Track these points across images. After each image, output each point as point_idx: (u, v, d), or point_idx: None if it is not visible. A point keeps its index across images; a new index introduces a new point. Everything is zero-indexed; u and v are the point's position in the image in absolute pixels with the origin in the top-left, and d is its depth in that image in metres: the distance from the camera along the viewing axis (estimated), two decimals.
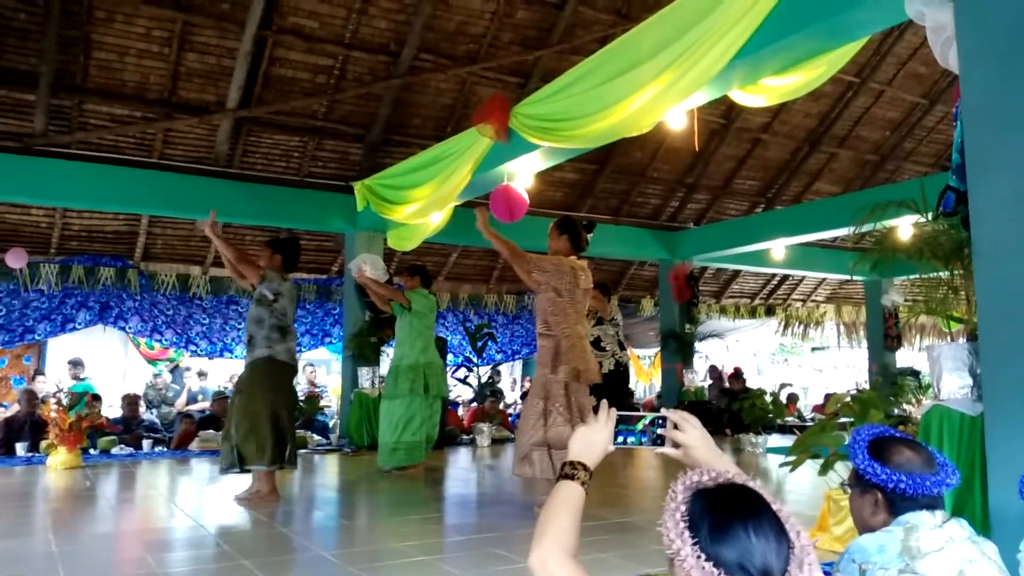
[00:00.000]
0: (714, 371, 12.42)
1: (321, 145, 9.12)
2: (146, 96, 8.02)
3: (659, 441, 1.54)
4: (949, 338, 3.54)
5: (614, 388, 8.12)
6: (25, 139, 7.77)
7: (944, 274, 3.54)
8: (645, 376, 14.88)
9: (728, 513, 1.10)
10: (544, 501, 4.13)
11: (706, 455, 1.51)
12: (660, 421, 1.53)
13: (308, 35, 8.00)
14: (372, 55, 8.38)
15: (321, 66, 8.34)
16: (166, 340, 10.26)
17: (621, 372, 8.27)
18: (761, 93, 4.93)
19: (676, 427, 1.54)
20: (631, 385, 9.91)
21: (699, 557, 1.06)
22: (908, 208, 3.60)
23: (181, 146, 8.60)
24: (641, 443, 1.54)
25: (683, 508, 1.13)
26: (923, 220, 3.73)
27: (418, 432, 6.39)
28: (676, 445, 1.56)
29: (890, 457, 1.88)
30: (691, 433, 1.52)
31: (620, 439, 1.54)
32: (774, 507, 1.14)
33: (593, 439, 1.51)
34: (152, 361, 10.99)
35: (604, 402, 1.61)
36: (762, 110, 10.09)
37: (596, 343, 8.07)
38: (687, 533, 1.09)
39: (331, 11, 7.92)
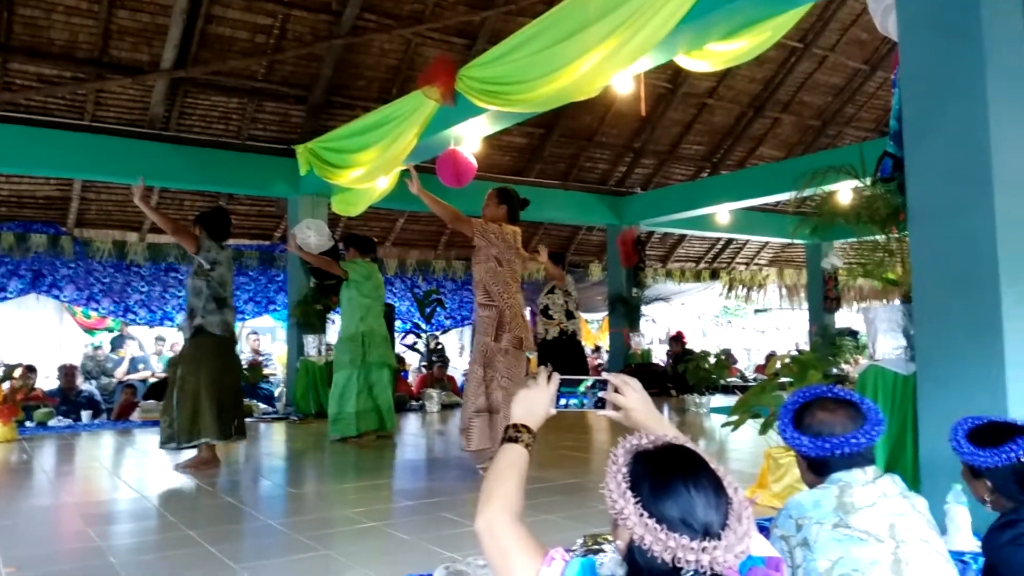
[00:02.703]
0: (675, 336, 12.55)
1: (261, 107, 8.87)
2: (76, 55, 7.66)
3: (600, 404, 1.55)
4: (885, 300, 3.65)
5: (559, 355, 8.24)
6: None
7: (880, 238, 3.63)
8: (592, 340, 15.04)
9: (668, 472, 1.13)
10: (487, 465, 4.18)
11: (646, 418, 1.54)
12: (601, 384, 1.55)
13: None
14: (313, 14, 8.14)
15: (260, 25, 8.07)
16: (103, 309, 9.97)
17: (565, 340, 8.38)
18: (707, 58, 4.94)
19: (617, 390, 1.56)
20: (585, 353, 10.00)
21: (642, 515, 1.08)
22: (847, 174, 3.68)
23: (114, 108, 8.26)
24: (583, 406, 1.55)
25: (624, 470, 1.15)
26: (862, 185, 3.81)
27: (353, 403, 6.35)
28: (617, 408, 1.58)
29: (809, 424, 1.95)
30: (631, 396, 1.54)
31: (562, 402, 1.55)
32: (711, 465, 1.17)
33: (535, 402, 1.53)
34: (90, 330, 10.68)
35: (543, 368, 1.61)
36: (708, 75, 10.15)
37: (544, 311, 8.15)
38: (629, 493, 1.11)
39: None
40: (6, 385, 6.93)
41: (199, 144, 8.59)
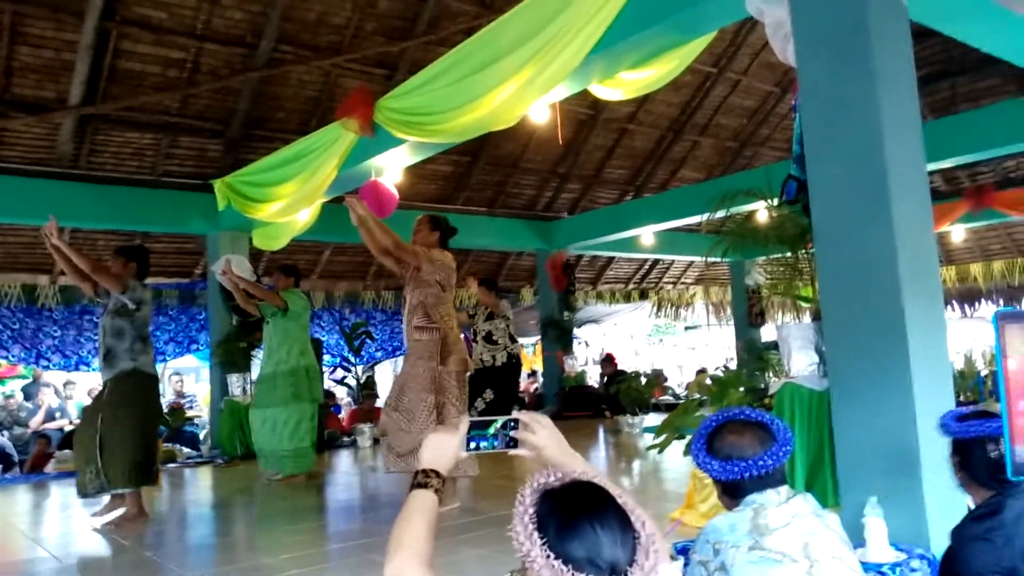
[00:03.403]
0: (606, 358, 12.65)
1: (176, 142, 8.64)
2: None
3: (512, 444, 1.54)
4: (797, 317, 3.77)
5: (508, 380, 8.23)
6: None
7: (790, 256, 3.75)
8: (528, 364, 15.06)
9: (574, 511, 1.14)
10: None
11: (557, 454, 1.53)
12: (512, 424, 1.54)
13: (156, 26, 7.53)
14: (227, 47, 8.00)
15: (172, 59, 7.89)
16: (13, 356, 9.49)
17: (514, 364, 8.36)
18: (619, 87, 5.04)
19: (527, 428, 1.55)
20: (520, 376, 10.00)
21: (548, 556, 1.08)
22: (755, 197, 3.79)
23: (18, 146, 7.93)
24: (494, 447, 1.54)
25: (531, 511, 1.15)
26: (773, 205, 3.93)
27: (305, 438, 6.22)
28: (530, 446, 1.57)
29: (719, 448, 1.98)
30: (540, 434, 1.53)
31: (473, 444, 1.54)
32: (619, 500, 1.18)
33: (444, 446, 1.51)
34: (0, 379, 10.17)
35: (464, 416, 1.60)
36: (627, 101, 10.36)
37: (488, 337, 8.09)
38: (536, 535, 1.11)
39: (180, 1, 7.49)
40: None
41: (112, 182, 8.31)
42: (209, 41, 7.84)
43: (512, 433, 1.54)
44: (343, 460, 7.86)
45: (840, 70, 3.19)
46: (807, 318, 3.62)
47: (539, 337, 12.75)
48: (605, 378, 11.09)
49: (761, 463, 1.89)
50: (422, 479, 1.45)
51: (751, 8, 3.56)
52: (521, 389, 13.08)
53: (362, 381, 10.02)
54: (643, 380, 8.85)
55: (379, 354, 11.87)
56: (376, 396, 10.01)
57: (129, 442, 4.69)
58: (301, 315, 6.32)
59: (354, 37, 8.49)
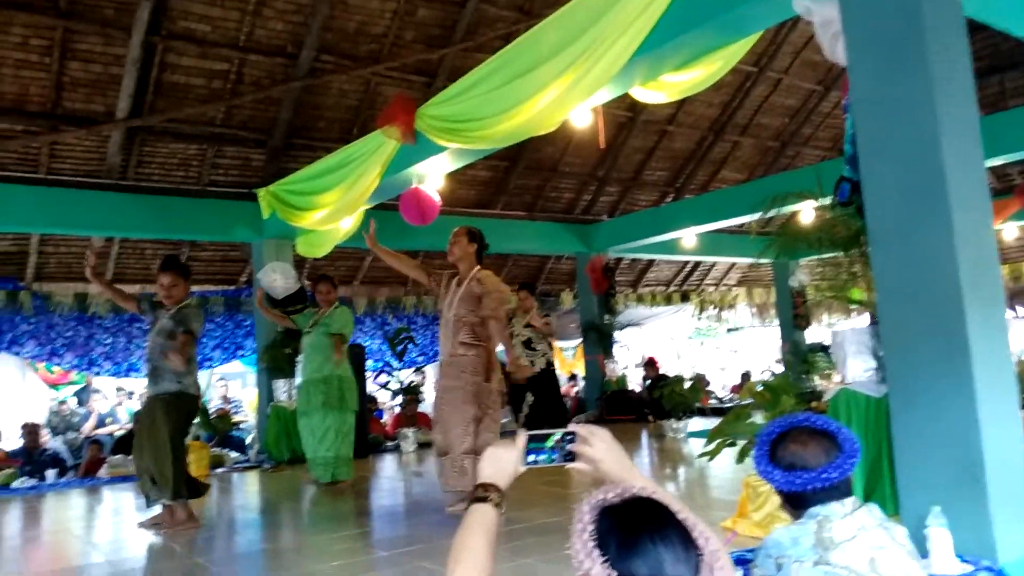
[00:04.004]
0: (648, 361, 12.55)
1: (221, 152, 8.79)
2: (27, 108, 7.54)
3: (570, 457, 1.52)
4: (853, 315, 3.67)
5: (549, 385, 8.25)
6: None
7: (843, 256, 3.66)
8: (568, 368, 15.00)
9: (635, 528, 1.11)
10: (455, 503, 4.09)
11: (615, 468, 1.50)
12: (569, 437, 1.51)
13: (200, 39, 7.69)
14: (269, 58, 8.12)
15: (216, 71, 8.03)
16: (66, 363, 9.74)
17: (551, 371, 8.42)
18: (662, 89, 4.99)
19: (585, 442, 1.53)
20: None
21: (609, 575, 1.05)
22: (806, 197, 3.71)
23: (70, 159, 8.14)
24: (552, 461, 1.52)
25: (590, 528, 1.12)
26: (821, 206, 3.86)
27: (339, 447, 6.28)
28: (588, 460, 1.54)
29: (782, 457, 1.92)
30: (599, 447, 1.50)
31: (531, 458, 1.51)
32: (680, 516, 1.15)
33: (503, 460, 1.49)
34: (54, 386, 10.43)
35: (522, 430, 1.58)
36: (667, 103, 10.28)
37: (528, 343, 8.11)
38: (596, 552, 1.08)
39: (223, 14, 7.62)
40: None
41: (159, 192, 8.49)
42: (252, 52, 7.96)
43: (570, 447, 1.52)
44: (387, 465, 7.90)
45: (893, 67, 3.11)
46: (860, 321, 3.53)
47: (580, 341, 12.68)
48: (648, 382, 10.99)
49: (825, 475, 1.84)
50: (481, 493, 1.44)
51: (798, 7, 3.49)
52: (562, 392, 13.05)
53: (406, 386, 10.06)
54: (686, 384, 8.73)
55: (420, 359, 11.92)
56: (420, 401, 10.04)
57: (167, 459, 4.73)
58: (330, 326, 6.36)
59: (393, 45, 8.56)
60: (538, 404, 8.18)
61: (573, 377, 14.28)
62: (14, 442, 8.88)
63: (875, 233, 3.14)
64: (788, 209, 5.04)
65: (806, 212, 6.44)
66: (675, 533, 1.11)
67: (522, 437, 1.52)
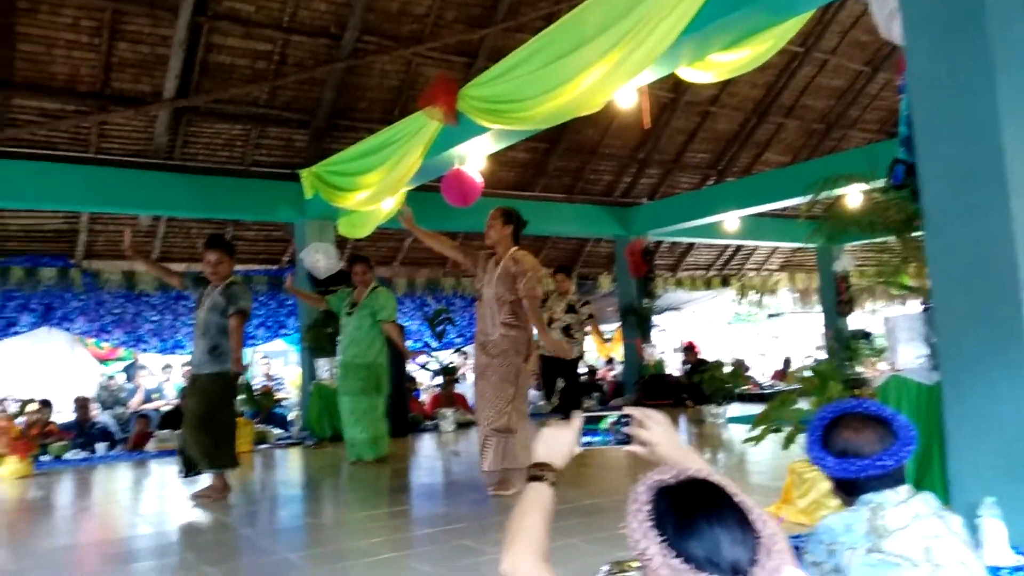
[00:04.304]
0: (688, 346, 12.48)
1: (265, 133, 8.88)
2: (77, 89, 7.70)
3: (625, 440, 1.52)
4: (898, 301, 3.60)
5: (577, 371, 8.33)
6: None
7: (894, 240, 3.58)
8: (606, 352, 14.96)
9: (692, 509, 1.11)
10: (497, 485, 4.10)
11: (672, 451, 1.50)
12: (624, 419, 1.51)
13: (245, 20, 7.75)
14: (313, 38, 8.16)
15: (260, 51, 8.10)
16: (115, 339, 9.98)
17: (581, 356, 8.53)
18: (709, 69, 4.91)
19: (641, 425, 1.53)
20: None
21: (666, 555, 1.06)
22: (858, 180, 3.63)
23: (118, 139, 8.29)
24: (606, 443, 1.52)
25: (646, 508, 1.13)
26: (871, 189, 3.77)
27: (376, 426, 6.40)
28: (643, 443, 1.54)
29: (834, 444, 1.89)
30: (654, 430, 1.50)
31: (586, 439, 1.52)
32: (737, 499, 1.14)
33: (558, 441, 1.50)
34: (103, 361, 10.71)
35: (579, 413, 1.59)
36: (710, 83, 10.13)
37: (566, 330, 8.13)
38: (653, 532, 1.09)
39: None
40: (21, 420, 6.91)
41: (204, 172, 8.61)
42: (295, 33, 8.01)
43: (625, 429, 1.52)
44: (426, 444, 7.97)
45: (951, 46, 3.02)
46: (912, 307, 3.46)
47: (618, 324, 12.63)
48: (687, 366, 10.93)
49: (880, 463, 1.81)
50: (536, 472, 1.45)
51: None
52: (598, 376, 13.04)
53: (444, 366, 10.13)
54: (727, 369, 8.66)
55: (459, 340, 11.98)
56: (458, 381, 10.11)
57: (213, 429, 4.92)
58: (378, 311, 6.42)
59: (435, 25, 8.54)
60: (567, 388, 8.23)
61: (610, 361, 14.24)
62: (66, 415, 9.14)
63: (930, 217, 3.07)
64: (836, 192, 4.96)
65: (853, 196, 6.31)
66: (732, 515, 1.11)
67: (578, 419, 1.52)
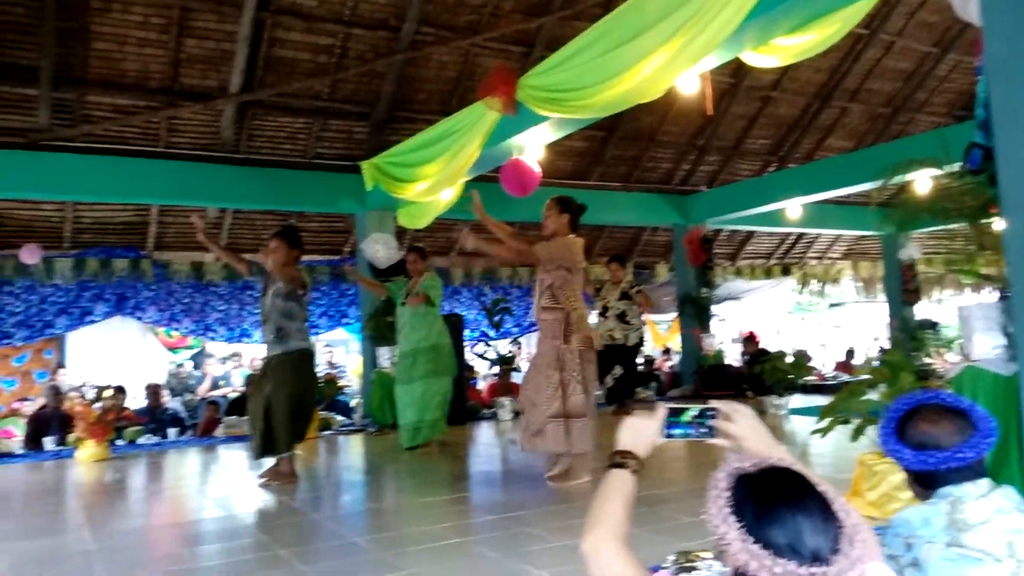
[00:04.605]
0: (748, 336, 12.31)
1: (326, 125, 9.04)
2: (148, 85, 7.96)
3: (710, 433, 1.51)
4: (967, 290, 3.49)
5: (635, 359, 8.30)
6: (30, 134, 7.73)
7: (965, 226, 3.47)
8: (662, 342, 14.84)
9: (772, 496, 1.11)
10: (559, 475, 4.11)
11: (759, 446, 1.48)
12: (710, 412, 1.50)
13: (307, 14, 7.90)
14: (373, 31, 8.27)
15: (322, 45, 8.24)
16: (184, 328, 10.31)
17: (639, 348, 8.50)
18: (774, 53, 4.81)
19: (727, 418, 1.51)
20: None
21: (745, 540, 1.07)
22: (930, 165, 3.53)
23: (186, 133, 8.55)
24: (688, 436, 1.51)
25: (726, 495, 1.13)
26: (941, 174, 3.67)
27: (441, 408, 6.54)
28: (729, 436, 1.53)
29: (911, 435, 1.85)
30: (740, 424, 1.49)
31: (670, 432, 1.52)
32: (820, 488, 1.14)
33: (642, 430, 1.51)
34: (173, 349, 11.07)
35: (660, 403, 1.59)
36: (772, 68, 9.93)
37: (622, 316, 8.14)
38: (732, 518, 1.10)
39: None
40: (98, 406, 7.20)
41: (268, 165, 8.82)
42: (356, 26, 8.12)
43: (712, 423, 1.51)
44: (483, 432, 8.05)
45: None
46: (985, 295, 3.35)
47: (675, 314, 12.52)
48: (747, 357, 10.77)
49: (960, 455, 1.77)
50: (619, 459, 1.47)
51: None
52: (655, 366, 12.95)
53: (502, 355, 10.20)
54: (789, 359, 8.51)
55: (516, 330, 12.03)
56: (515, 370, 10.17)
57: (294, 412, 5.11)
58: (439, 297, 6.65)
59: (492, 16, 8.57)
60: (624, 376, 8.22)
61: (667, 351, 14.12)
62: (138, 402, 9.49)
63: (1008, 203, 2.96)
64: (906, 178, 4.81)
65: (921, 181, 6.13)
66: (814, 503, 1.11)
67: (662, 409, 1.52)
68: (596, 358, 4.87)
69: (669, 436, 1.51)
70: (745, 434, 1.48)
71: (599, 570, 1.30)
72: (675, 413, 1.51)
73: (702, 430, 1.50)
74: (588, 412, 4.63)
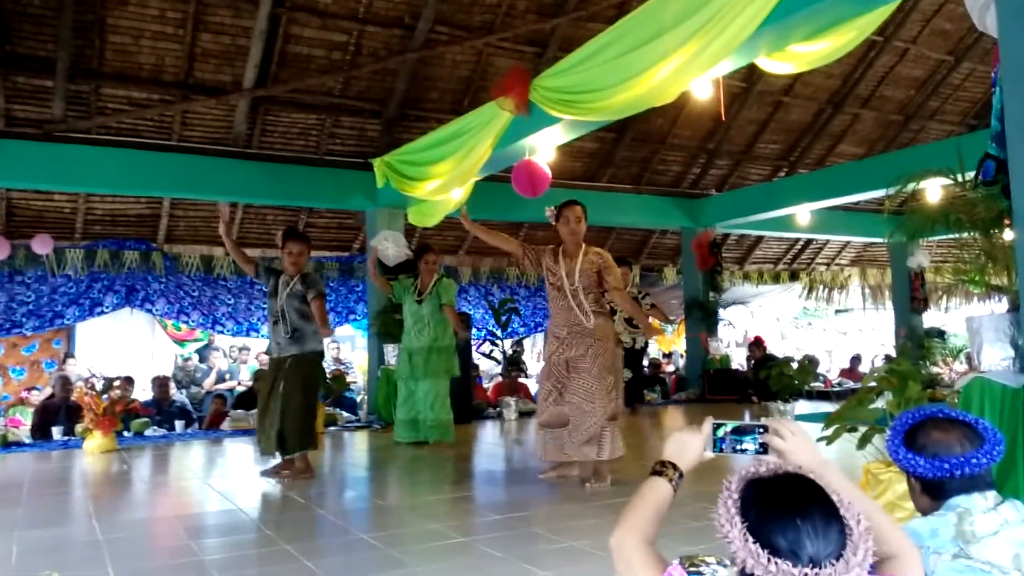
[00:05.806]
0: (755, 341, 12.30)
1: (339, 122, 9.07)
2: (163, 78, 8.00)
3: (761, 449, 1.51)
4: (979, 300, 3.49)
5: (640, 363, 8.32)
6: (45, 125, 7.78)
7: (976, 236, 3.47)
8: (667, 345, 14.83)
9: (778, 500, 1.14)
10: (596, 477, 4.10)
11: (809, 462, 1.47)
12: (760, 428, 1.51)
13: (322, 11, 7.92)
14: (387, 29, 8.29)
15: (336, 42, 8.27)
16: (192, 321, 10.35)
17: (647, 347, 8.56)
18: (790, 60, 4.82)
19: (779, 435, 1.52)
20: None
21: (746, 539, 1.09)
22: (944, 174, 3.53)
23: (200, 127, 8.59)
24: (735, 451, 1.51)
25: (736, 496, 1.17)
26: (954, 184, 3.67)
27: (448, 409, 6.57)
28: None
29: (923, 444, 1.86)
30: (791, 440, 1.49)
31: (720, 447, 1.53)
32: (835, 497, 1.16)
33: (688, 444, 1.53)
34: (180, 342, 11.11)
35: (709, 417, 1.59)
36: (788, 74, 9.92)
37: (629, 320, 8.15)
38: (737, 518, 1.13)
39: None
40: (106, 397, 7.24)
41: (280, 160, 8.86)
42: (370, 24, 8.15)
43: (761, 439, 1.51)
44: (488, 431, 8.06)
45: None
46: (995, 306, 3.35)
47: (682, 317, 12.51)
48: (753, 362, 10.77)
49: (975, 461, 1.78)
50: (659, 468, 1.50)
51: None
52: (660, 370, 12.95)
53: (509, 356, 10.21)
54: (795, 366, 8.50)
55: (522, 330, 12.04)
56: (522, 371, 10.18)
57: (306, 412, 5.19)
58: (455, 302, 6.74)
59: (506, 16, 8.58)
60: (633, 380, 8.26)
61: (668, 355, 14.10)
62: (146, 394, 9.52)
63: (1021, 215, 2.97)
64: (918, 187, 4.81)
65: (932, 189, 6.12)
66: (819, 510, 1.12)
67: (708, 424, 1.53)
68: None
69: (719, 451, 1.52)
70: (795, 450, 1.47)
71: (623, 562, 1.37)
72: (727, 429, 1.52)
73: (754, 446, 1.50)
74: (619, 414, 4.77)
